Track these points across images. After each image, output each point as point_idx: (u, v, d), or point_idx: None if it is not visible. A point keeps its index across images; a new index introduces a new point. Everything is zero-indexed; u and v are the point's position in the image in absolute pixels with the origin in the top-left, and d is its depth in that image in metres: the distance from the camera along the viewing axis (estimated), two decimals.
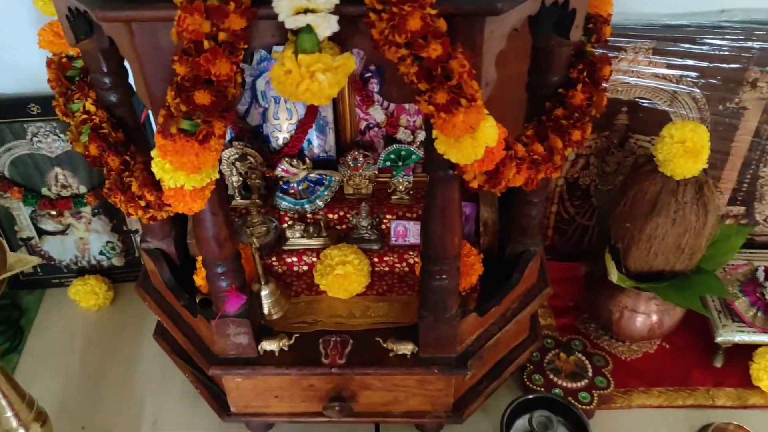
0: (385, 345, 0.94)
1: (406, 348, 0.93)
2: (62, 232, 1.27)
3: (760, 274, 1.13)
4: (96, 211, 1.26)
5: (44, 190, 1.22)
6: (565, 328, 1.19)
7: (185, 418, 1.12)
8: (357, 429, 1.08)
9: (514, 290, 0.97)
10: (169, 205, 0.70)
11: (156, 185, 0.72)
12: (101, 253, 1.31)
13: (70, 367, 1.19)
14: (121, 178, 0.78)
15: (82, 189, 1.22)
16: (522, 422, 1.01)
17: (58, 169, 1.20)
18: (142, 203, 0.75)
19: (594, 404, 1.05)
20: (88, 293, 1.28)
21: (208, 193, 0.69)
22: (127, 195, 0.77)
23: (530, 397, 1.03)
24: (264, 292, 0.98)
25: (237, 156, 1.07)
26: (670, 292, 1.03)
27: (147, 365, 1.20)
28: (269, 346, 0.93)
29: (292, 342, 0.94)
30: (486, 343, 0.96)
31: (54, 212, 1.24)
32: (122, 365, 1.21)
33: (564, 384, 1.07)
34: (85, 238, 1.28)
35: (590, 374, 1.08)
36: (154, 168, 0.66)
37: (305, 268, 1.06)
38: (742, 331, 1.10)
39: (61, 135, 1.16)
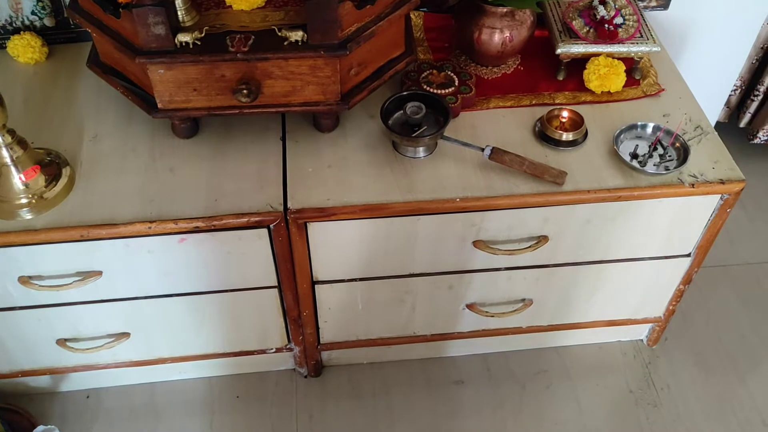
0: (280, 33, 1.09)
1: (297, 35, 1.08)
2: None
3: (596, 3, 1.33)
4: None
5: None
6: (440, 60, 1.38)
7: (121, 131, 1.26)
8: (267, 123, 1.26)
9: None
10: None
11: None
12: (33, 13, 1.37)
13: (14, 106, 1.27)
14: None
15: None
16: (398, 115, 1.23)
17: None
18: None
19: (458, 103, 1.27)
20: (25, 47, 1.36)
21: None
22: None
23: (405, 93, 1.23)
24: (178, 1, 1.10)
25: None
26: (514, 0, 1.26)
27: (84, 99, 1.32)
28: (184, 38, 1.07)
29: (203, 35, 1.08)
30: (362, 34, 1.11)
31: None
32: (61, 102, 1.31)
33: (435, 91, 1.27)
34: None
35: (457, 84, 1.29)
36: None
37: None
38: (577, 44, 1.30)
39: None
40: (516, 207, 1.16)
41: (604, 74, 1.28)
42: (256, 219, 1.12)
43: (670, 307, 1.46)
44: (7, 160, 1.09)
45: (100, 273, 1.18)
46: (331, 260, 1.23)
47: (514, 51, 1.32)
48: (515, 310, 1.38)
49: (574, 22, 1.31)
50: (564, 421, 1.47)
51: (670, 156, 1.20)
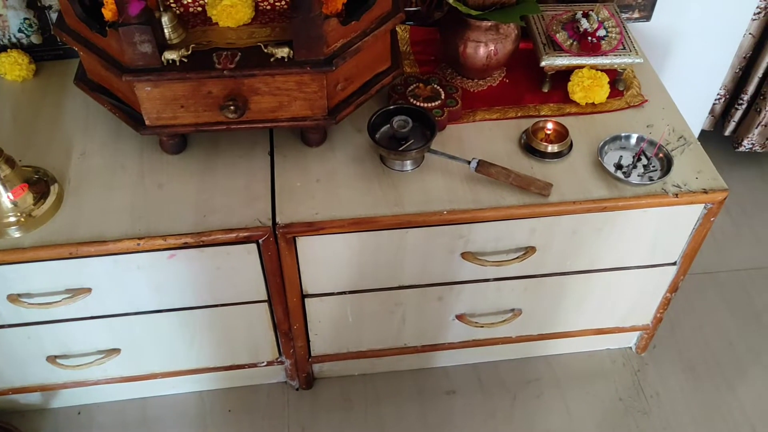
0: (266, 50, 1.09)
1: (283, 51, 1.08)
2: None
3: (579, 16, 1.35)
4: None
5: None
6: (426, 73, 1.41)
7: (109, 148, 1.26)
8: (255, 139, 1.27)
9: (371, 10, 1.13)
10: None
11: None
12: (20, 30, 1.37)
13: (1, 124, 1.30)
14: None
15: None
16: (385, 129, 1.23)
17: None
18: None
19: (445, 116, 1.27)
20: (12, 64, 1.36)
21: None
22: None
23: (391, 107, 1.23)
24: (164, 19, 1.11)
25: None
26: (497, 15, 1.27)
27: (71, 117, 1.32)
28: (170, 55, 1.07)
29: (189, 53, 1.08)
30: (348, 49, 1.11)
31: None
32: (49, 119, 1.32)
33: (422, 104, 1.28)
34: (3, 14, 1.35)
35: (443, 97, 1.30)
36: None
37: (200, 9, 1.16)
38: (561, 56, 1.32)
39: None
40: (503, 219, 1.17)
41: (588, 86, 1.30)
42: (245, 234, 1.13)
43: (658, 315, 1.48)
44: None
45: (89, 290, 1.18)
46: (321, 274, 1.24)
47: (499, 64, 1.33)
48: (504, 320, 1.39)
49: (557, 35, 1.33)
50: (554, 430, 1.48)
51: (653, 166, 1.22)
